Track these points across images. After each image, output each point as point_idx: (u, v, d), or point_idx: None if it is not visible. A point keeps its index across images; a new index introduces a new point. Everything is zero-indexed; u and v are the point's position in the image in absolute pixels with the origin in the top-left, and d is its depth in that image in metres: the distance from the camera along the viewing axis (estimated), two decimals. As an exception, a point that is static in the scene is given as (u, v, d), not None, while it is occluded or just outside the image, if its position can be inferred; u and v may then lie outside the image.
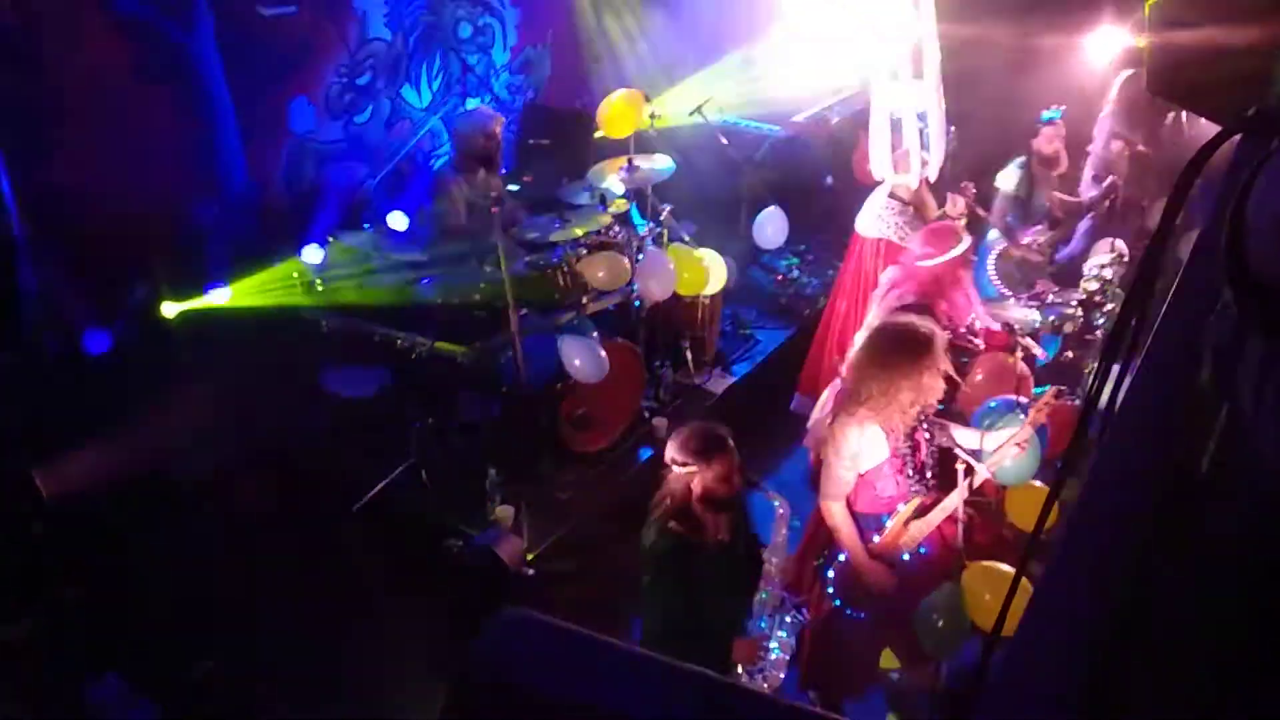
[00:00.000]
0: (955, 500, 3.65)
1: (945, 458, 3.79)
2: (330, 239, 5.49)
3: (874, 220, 5.57)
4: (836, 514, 3.67)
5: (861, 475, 3.66)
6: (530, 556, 4.64)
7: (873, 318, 4.61)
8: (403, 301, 5.41)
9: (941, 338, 3.60)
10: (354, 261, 5.52)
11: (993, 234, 6.10)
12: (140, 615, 4.69)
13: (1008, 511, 4.47)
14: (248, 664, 4.35)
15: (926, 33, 5.26)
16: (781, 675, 3.37)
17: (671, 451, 3.30)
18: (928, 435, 3.71)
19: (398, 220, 6.19)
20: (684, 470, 3.24)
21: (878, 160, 5.56)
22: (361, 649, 4.54)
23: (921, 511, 3.67)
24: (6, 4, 4.85)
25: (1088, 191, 6.42)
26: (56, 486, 4.79)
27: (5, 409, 4.92)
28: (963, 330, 4.69)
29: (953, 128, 5.87)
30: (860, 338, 4.48)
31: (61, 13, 5.08)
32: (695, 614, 3.25)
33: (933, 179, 5.60)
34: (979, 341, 4.78)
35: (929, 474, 3.71)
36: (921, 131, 5.47)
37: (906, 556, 3.70)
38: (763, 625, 3.40)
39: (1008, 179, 6.13)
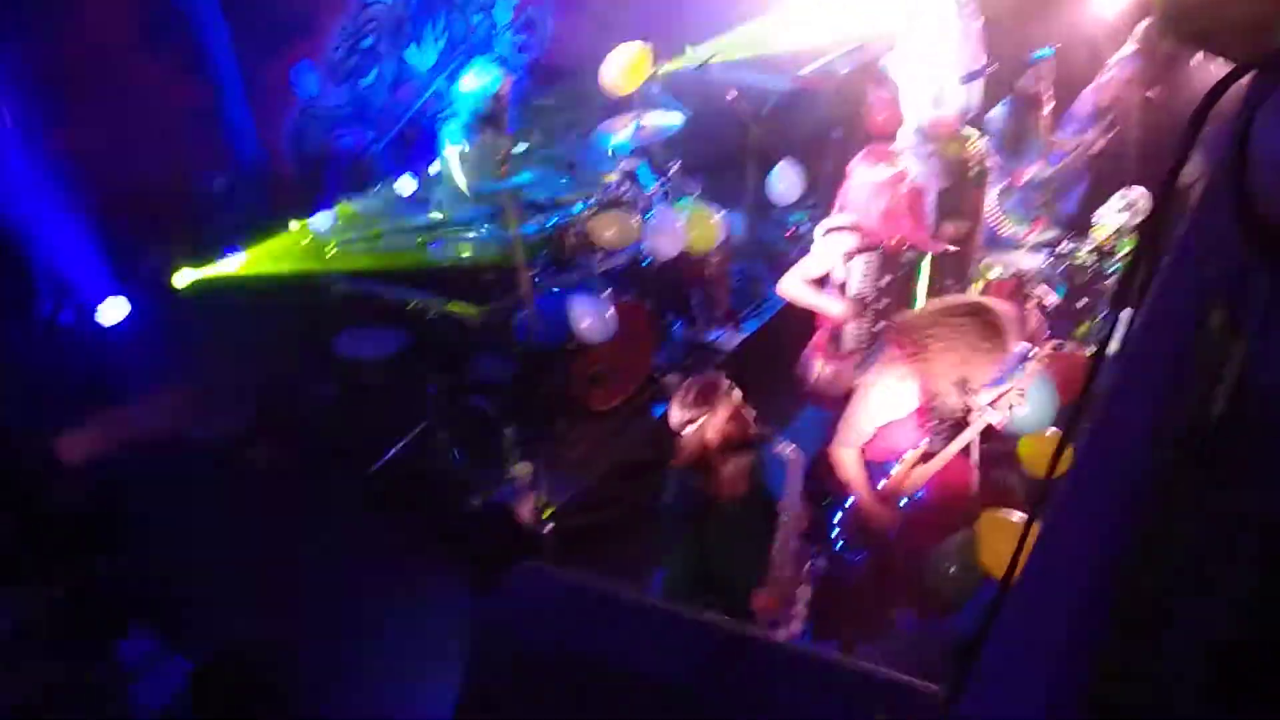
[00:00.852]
0: (960, 444, 3.66)
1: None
2: (339, 203, 5.49)
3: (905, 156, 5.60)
4: (849, 460, 3.69)
5: (881, 427, 3.68)
6: (547, 513, 4.68)
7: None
8: (413, 264, 5.42)
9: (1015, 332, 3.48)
10: (363, 226, 5.53)
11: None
12: (166, 577, 4.78)
13: (1022, 459, 4.48)
14: (271, 621, 4.43)
15: None
16: (802, 624, 3.40)
17: (675, 414, 3.27)
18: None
19: (405, 183, 6.20)
20: (693, 425, 3.24)
21: (907, 101, 5.73)
22: (382, 606, 4.62)
23: (927, 457, 3.69)
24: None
25: (1072, 129, 6.39)
26: (76, 454, 4.86)
27: (22, 378, 4.98)
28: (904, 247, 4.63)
29: (993, 65, 5.89)
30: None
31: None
32: (714, 567, 3.28)
33: (973, 110, 5.70)
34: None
35: (942, 425, 3.72)
36: (941, 71, 5.53)
37: (905, 501, 3.74)
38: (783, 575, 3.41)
39: (994, 118, 6.09)
